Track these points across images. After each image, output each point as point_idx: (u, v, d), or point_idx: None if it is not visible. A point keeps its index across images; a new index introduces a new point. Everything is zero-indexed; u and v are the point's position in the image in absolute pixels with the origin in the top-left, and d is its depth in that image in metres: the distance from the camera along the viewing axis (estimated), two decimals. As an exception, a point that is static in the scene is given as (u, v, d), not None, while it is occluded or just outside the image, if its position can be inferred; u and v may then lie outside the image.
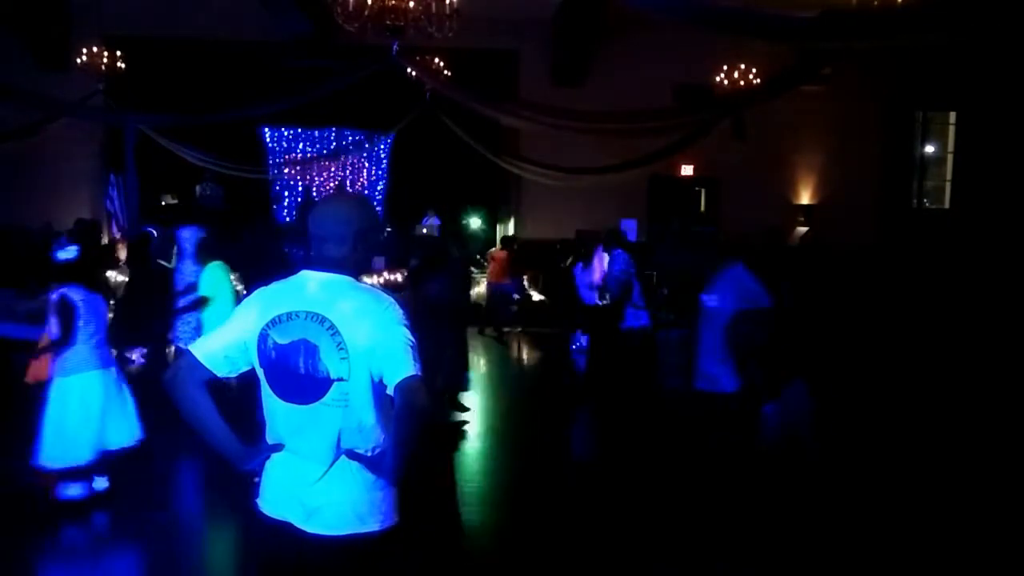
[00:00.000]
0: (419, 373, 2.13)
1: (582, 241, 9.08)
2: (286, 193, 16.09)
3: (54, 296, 4.91)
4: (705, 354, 4.65)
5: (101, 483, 5.05)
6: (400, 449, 2.12)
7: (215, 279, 6.47)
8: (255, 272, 6.34)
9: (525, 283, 13.32)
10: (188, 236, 7.09)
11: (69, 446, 4.82)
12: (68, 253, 4.96)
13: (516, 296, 12.88)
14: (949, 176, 15.85)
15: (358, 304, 2.20)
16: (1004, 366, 8.16)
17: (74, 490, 4.94)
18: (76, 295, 4.87)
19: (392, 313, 2.20)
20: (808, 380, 5.67)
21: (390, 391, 2.14)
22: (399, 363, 2.12)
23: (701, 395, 4.68)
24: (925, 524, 4.96)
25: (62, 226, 11.84)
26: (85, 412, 4.87)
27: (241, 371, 2.30)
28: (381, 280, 11.05)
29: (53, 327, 4.89)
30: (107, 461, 5.01)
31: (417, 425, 2.11)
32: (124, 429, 5.03)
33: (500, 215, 15.49)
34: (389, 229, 13.91)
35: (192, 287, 6.70)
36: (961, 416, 7.18)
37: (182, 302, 6.85)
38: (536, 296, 13.36)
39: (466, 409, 7.20)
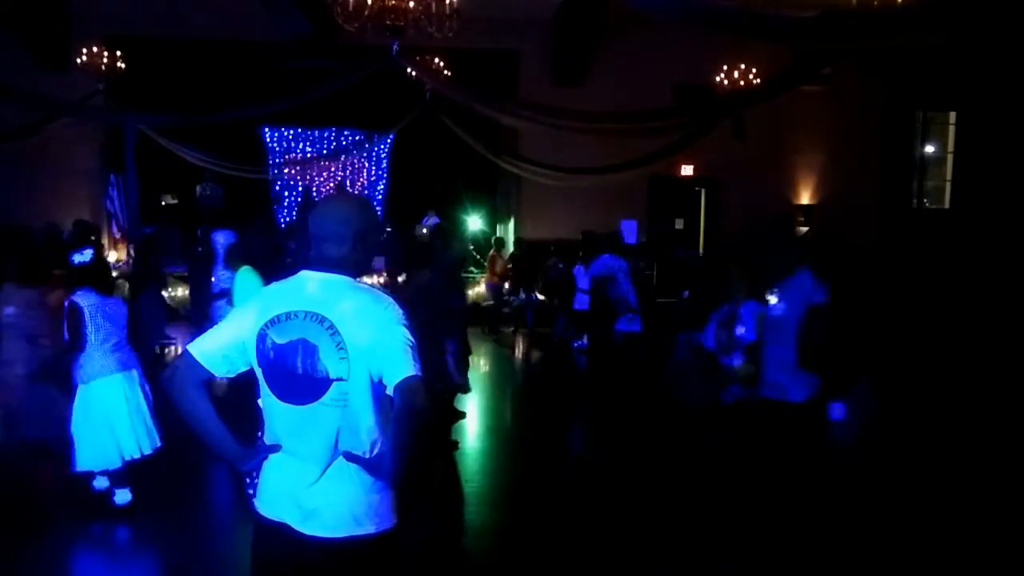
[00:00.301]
0: (419, 373, 2.12)
1: (586, 241, 9.01)
2: (286, 193, 16.09)
3: (65, 302, 4.91)
4: (771, 362, 4.56)
5: (123, 495, 5.01)
6: (400, 450, 2.11)
7: (247, 284, 6.34)
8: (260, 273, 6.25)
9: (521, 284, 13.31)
10: (222, 240, 6.91)
11: (100, 449, 4.85)
12: (83, 256, 4.94)
13: (507, 297, 12.89)
14: (949, 176, 15.85)
15: (358, 304, 2.19)
16: (1004, 365, 8.16)
17: (122, 496, 4.96)
18: (85, 300, 4.84)
19: (392, 313, 2.20)
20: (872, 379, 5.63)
21: (390, 391, 2.13)
22: (399, 363, 2.12)
23: (767, 402, 4.63)
24: (927, 524, 4.96)
25: (63, 226, 11.85)
26: (109, 416, 4.87)
27: (239, 371, 2.29)
28: (381, 280, 11.07)
29: (66, 333, 4.88)
30: (124, 472, 4.98)
31: (417, 426, 2.09)
32: (142, 436, 5.00)
33: (500, 215, 15.49)
34: (389, 229, 13.92)
35: (226, 292, 6.60)
36: (963, 415, 7.18)
37: (218, 306, 6.78)
38: (538, 296, 13.35)
39: (463, 415, 7.18)
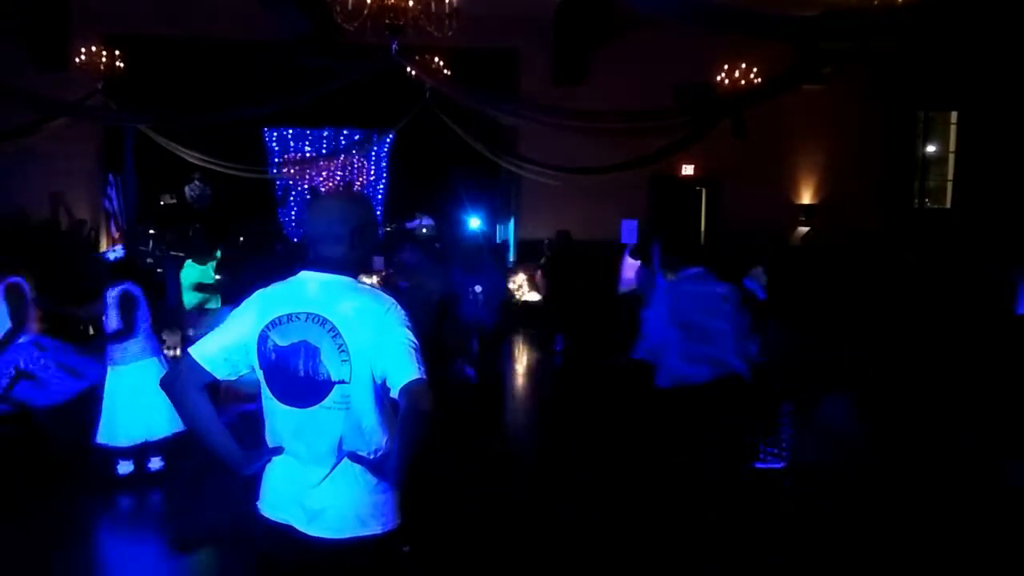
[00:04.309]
0: (424, 376, 2.10)
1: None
2: (292, 195, 16.08)
3: (114, 292, 5.40)
4: None
5: (156, 463, 5.52)
6: (404, 453, 2.09)
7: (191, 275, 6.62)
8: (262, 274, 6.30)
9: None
10: None
11: (121, 427, 5.33)
12: (116, 253, 5.60)
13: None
14: (951, 176, 15.82)
15: (359, 305, 2.17)
16: (1005, 366, 8.13)
17: (124, 467, 5.45)
18: (135, 290, 5.42)
19: (394, 315, 2.18)
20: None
21: (394, 394, 2.11)
22: (403, 366, 2.10)
23: None
24: (922, 527, 4.93)
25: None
26: (138, 397, 5.30)
27: (241, 373, 2.27)
28: (380, 280, 11.02)
29: (113, 320, 5.37)
30: (159, 445, 5.45)
31: (422, 429, 2.07)
32: (171, 417, 5.31)
33: (500, 215, 15.46)
34: (388, 229, 13.89)
35: None
36: (963, 416, 7.16)
37: None
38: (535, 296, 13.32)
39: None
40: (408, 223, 14.03)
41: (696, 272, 5.24)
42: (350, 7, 9.19)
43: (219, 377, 2.24)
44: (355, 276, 2.28)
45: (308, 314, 2.18)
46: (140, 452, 5.47)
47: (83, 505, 5.24)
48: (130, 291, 5.40)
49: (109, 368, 5.45)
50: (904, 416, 7.24)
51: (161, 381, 2.27)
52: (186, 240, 9.56)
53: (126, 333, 5.35)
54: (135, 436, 5.36)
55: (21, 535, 4.73)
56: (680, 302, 5.13)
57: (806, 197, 15.31)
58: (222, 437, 2.25)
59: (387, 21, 9.20)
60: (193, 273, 8.13)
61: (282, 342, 2.18)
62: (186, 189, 14.28)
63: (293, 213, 15.86)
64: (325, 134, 16.01)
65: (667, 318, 5.15)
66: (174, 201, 14.64)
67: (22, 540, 4.68)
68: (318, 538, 2.17)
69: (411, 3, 9.13)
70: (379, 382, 2.15)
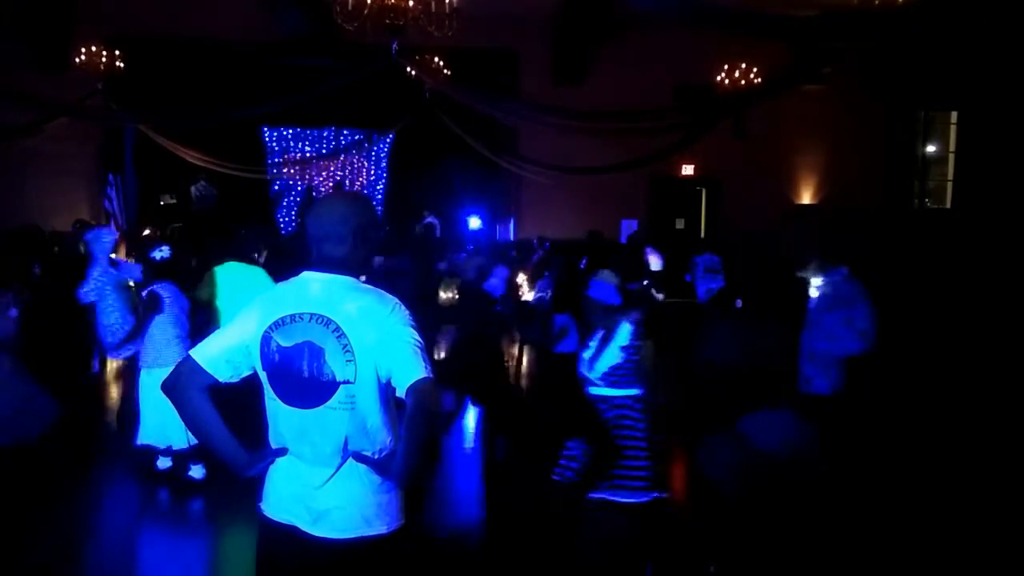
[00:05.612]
0: (431, 375, 2.09)
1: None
2: (284, 198, 16.06)
3: (144, 292, 5.32)
4: None
5: (198, 471, 5.33)
6: (412, 453, 2.08)
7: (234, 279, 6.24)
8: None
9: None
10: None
11: (162, 428, 5.16)
12: (163, 252, 5.36)
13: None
14: (951, 176, 15.82)
15: (363, 305, 2.16)
16: (1006, 366, 8.12)
17: (197, 471, 5.31)
18: (165, 292, 5.24)
19: (398, 314, 2.17)
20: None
21: (400, 393, 2.11)
22: (409, 365, 2.09)
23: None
24: (921, 526, 4.92)
25: (63, 226, 11.78)
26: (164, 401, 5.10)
27: (243, 375, 2.26)
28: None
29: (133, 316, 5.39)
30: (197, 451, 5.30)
31: (430, 428, 2.08)
32: None
33: (499, 215, 15.46)
34: (388, 228, 13.88)
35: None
36: (962, 417, 7.15)
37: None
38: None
39: None
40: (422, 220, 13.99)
41: (844, 273, 4.86)
42: (350, 7, 9.19)
43: (220, 379, 2.23)
44: (357, 276, 2.27)
45: (312, 314, 2.17)
46: (179, 457, 5.33)
47: (123, 499, 5.31)
48: (155, 292, 5.23)
49: (142, 370, 5.29)
50: (903, 417, 7.24)
51: (163, 384, 2.26)
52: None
53: (134, 333, 5.23)
54: (167, 439, 5.21)
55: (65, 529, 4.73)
56: None
57: (805, 197, 15.31)
58: (225, 439, 2.23)
59: (387, 21, 9.20)
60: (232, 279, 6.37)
61: (286, 343, 2.17)
62: (192, 189, 14.27)
63: (285, 212, 15.84)
64: (325, 134, 16.00)
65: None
66: (174, 201, 14.62)
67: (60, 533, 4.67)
68: (323, 539, 2.17)
69: (411, 3, 9.13)
70: (384, 382, 2.15)
